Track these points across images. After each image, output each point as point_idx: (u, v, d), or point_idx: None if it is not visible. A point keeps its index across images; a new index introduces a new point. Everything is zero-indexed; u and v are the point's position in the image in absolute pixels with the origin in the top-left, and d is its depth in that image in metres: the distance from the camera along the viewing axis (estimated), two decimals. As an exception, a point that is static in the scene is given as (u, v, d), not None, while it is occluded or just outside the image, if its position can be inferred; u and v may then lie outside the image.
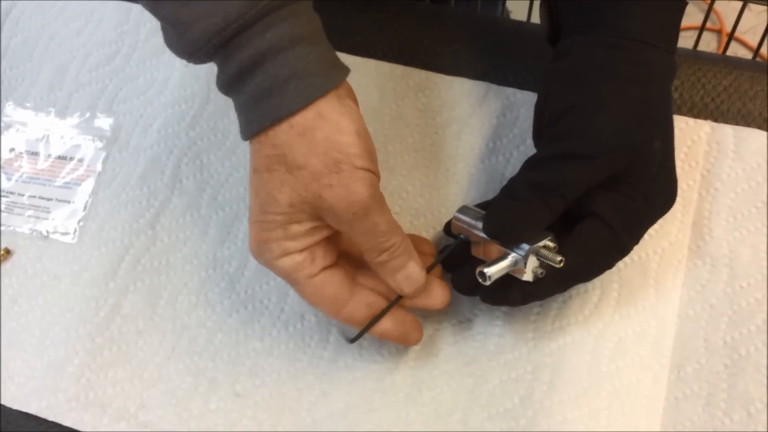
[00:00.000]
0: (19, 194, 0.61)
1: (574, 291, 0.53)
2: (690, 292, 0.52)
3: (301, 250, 0.47)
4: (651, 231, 0.53)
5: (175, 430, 0.51)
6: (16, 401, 0.53)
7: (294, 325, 0.54)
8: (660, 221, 0.50)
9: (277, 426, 0.51)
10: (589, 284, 0.53)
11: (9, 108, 0.64)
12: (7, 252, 0.59)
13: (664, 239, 0.54)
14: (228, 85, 0.45)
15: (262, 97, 0.44)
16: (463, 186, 0.57)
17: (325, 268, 0.48)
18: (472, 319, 0.53)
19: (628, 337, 0.51)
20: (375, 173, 0.46)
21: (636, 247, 0.49)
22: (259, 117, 0.44)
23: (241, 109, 0.45)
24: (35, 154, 0.62)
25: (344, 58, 0.62)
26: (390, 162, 0.59)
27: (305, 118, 0.44)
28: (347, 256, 0.50)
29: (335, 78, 0.45)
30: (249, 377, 0.52)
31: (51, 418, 0.52)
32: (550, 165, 0.47)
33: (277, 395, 0.52)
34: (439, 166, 0.58)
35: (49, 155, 0.62)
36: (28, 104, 0.64)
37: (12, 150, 0.63)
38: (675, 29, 0.50)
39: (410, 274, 0.48)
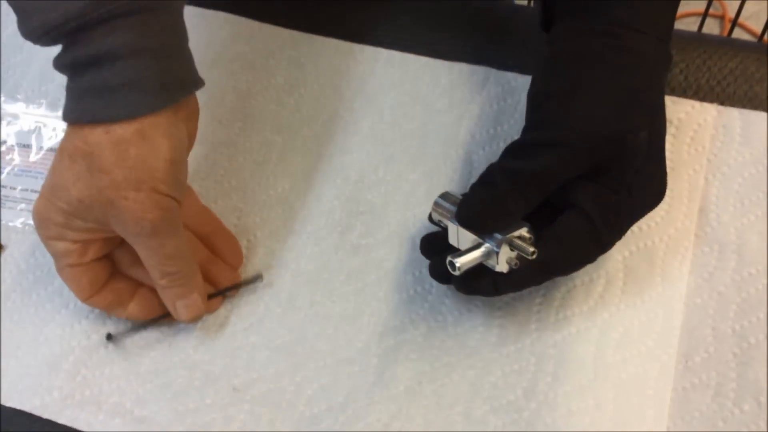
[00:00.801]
0: (11, 187, 0.60)
1: (578, 280, 0.51)
2: (697, 279, 0.51)
3: (76, 241, 0.48)
4: (657, 218, 0.52)
5: (171, 425, 0.50)
6: (10, 399, 0.52)
7: (291, 318, 0.53)
8: (666, 208, 0.49)
9: (275, 420, 0.50)
10: (594, 273, 0.51)
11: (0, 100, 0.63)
12: (0, 246, 0.57)
13: (670, 226, 0.52)
14: (62, 68, 0.45)
15: (90, 94, 0.44)
16: (464, 173, 0.56)
17: (92, 260, 0.49)
18: (473, 309, 0.52)
19: (634, 326, 0.50)
20: (176, 200, 0.47)
21: (641, 235, 0.48)
22: (80, 110, 0.44)
23: (68, 93, 0.45)
24: (27, 146, 0.61)
25: (341, 45, 0.62)
26: (390, 150, 0.58)
27: (124, 130, 0.44)
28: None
29: (171, 98, 0.45)
30: (246, 371, 0.51)
31: (46, 416, 0.51)
32: (528, 152, 0.45)
33: (275, 389, 0.51)
34: (439, 153, 0.57)
35: (41, 148, 0.61)
36: (19, 96, 0.63)
37: (3, 143, 0.61)
38: (669, 17, 0.48)
39: (189, 304, 0.50)
